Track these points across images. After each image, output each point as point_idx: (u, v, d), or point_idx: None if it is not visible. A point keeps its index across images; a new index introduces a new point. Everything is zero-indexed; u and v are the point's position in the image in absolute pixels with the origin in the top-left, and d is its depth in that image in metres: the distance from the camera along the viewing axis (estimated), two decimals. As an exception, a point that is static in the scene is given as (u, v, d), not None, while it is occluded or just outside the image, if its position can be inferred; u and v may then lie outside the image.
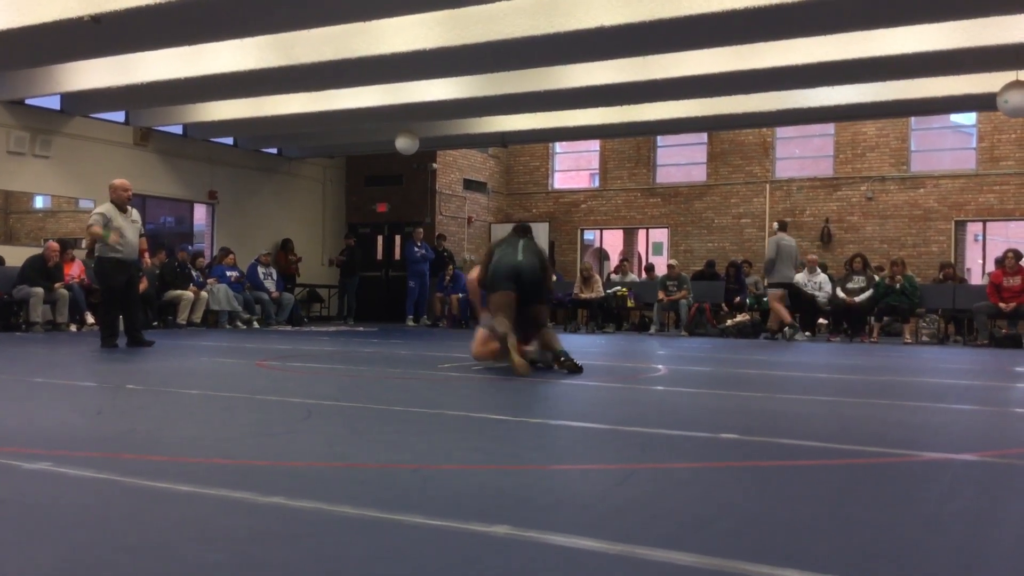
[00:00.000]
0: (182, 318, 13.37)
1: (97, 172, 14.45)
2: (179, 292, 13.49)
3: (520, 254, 7.21)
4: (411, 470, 3.05)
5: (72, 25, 9.29)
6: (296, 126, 15.37)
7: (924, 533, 2.35)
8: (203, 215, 16.92)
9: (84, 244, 8.64)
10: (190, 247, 15.67)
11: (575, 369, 6.73)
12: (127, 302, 9.05)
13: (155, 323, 13.14)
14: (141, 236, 9.10)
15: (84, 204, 14.55)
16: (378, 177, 19.21)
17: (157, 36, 10.30)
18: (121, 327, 9.18)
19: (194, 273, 14.06)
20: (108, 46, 10.77)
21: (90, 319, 12.34)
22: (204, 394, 5.31)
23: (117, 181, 9.09)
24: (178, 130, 15.84)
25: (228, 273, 14.55)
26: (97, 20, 9.03)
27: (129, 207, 8.93)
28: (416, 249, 16.75)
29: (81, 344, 9.83)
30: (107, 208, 8.80)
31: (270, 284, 15.23)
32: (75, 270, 12.60)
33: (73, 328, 12.04)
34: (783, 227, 14.04)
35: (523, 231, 7.71)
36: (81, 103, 13.80)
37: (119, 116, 14.94)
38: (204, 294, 13.76)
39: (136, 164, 15.13)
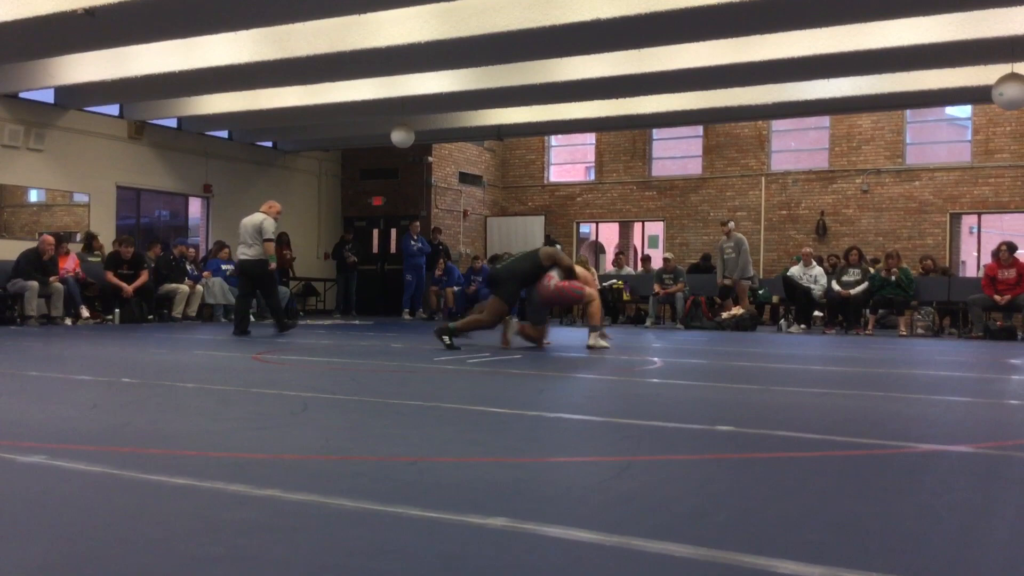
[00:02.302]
0: (177, 312, 13.35)
1: (91, 166, 14.43)
2: (174, 286, 13.46)
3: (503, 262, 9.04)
4: (408, 463, 3.05)
5: (66, 18, 9.25)
6: (291, 119, 15.33)
7: (919, 524, 2.36)
8: (198, 209, 16.89)
9: (259, 253, 10.59)
10: (186, 240, 15.67)
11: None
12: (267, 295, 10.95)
13: (150, 316, 13.12)
14: None
15: (78, 198, 14.52)
16: (373, 170, 19.18)
17: (151, 29, 10.26)
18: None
19: (189, 267, 14.04)
20: (102, 39, 10.73)
21: (85, 313, 12.32)
22: (200, 387, 5.30)
23: (277, 204, 11.02)
24: (172, 123, 15.81)
25: (223, 267, 14.52)
26: (91, 13, 9.00)
27: None
28: (412, 243, 16.75)
29: (76, 338, 9.80)
30: (275, 224, 10.61)
31: (266, 278, 15.19)
32: (70, 264, 12.56)
33: (68, 322, 12.02)
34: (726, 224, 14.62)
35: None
36: (75, 96, 13.76)
37: (113, 109, 14.90)
38: (199, 288, 13.74)
39: (130, 158, 15.11)
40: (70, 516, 2.34)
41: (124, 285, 12.64)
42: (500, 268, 8.94)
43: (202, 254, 15.74)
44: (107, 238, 13.94)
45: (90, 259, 13.23)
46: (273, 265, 10.61)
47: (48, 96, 13.87)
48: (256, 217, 10.60)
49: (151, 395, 4.96)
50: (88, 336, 10.09)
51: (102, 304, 12.93)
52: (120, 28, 10.02)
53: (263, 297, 11.05)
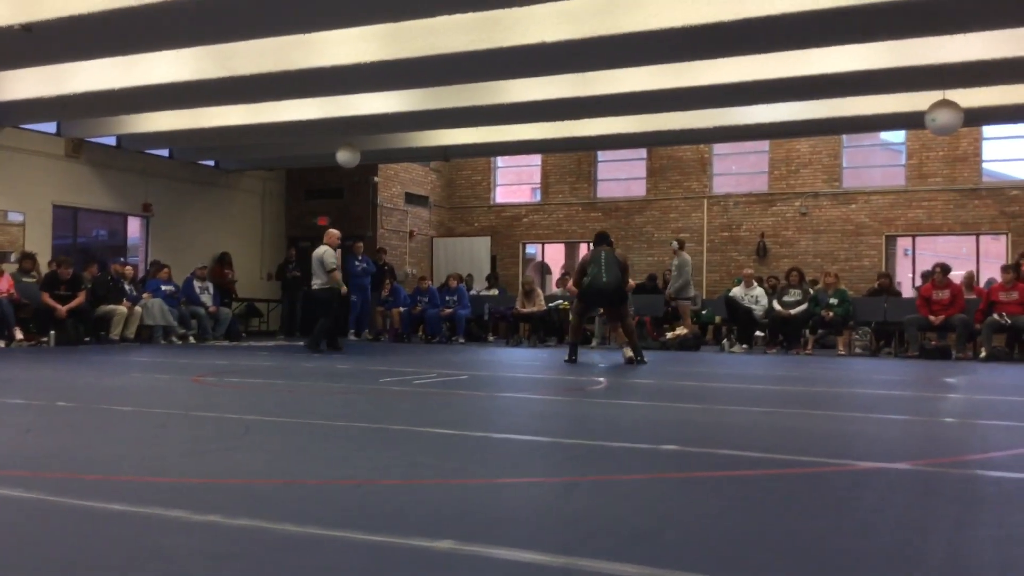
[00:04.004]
0: (115, 333, 13.05)
1: (27, 184, 14.09)
2: (112, 307, 13.17)
3: (604, 274, 9.73)
4: (352, 486, 3.02)
5: (2, 34, 9.04)
6: (234, 138, 15.15)
7: (858, 540, 2.40)
8: (137, 228, 16.58)
9: (325, 282, 11.63)
10: (122, 259, 15.35)
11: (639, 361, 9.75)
12: (337, 318, 12.18)
13: (87, 338, 12.81)
14: None
15: (12, 217, 14.15)
16: (319, 190, 19.04)
17: (90, 46, 10.07)
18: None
19: (127, 287, 13.75)
20: (39, 55, 10.50)
21: (19, 335, 11.98)
22: (137, 411, 5.19)
23: (335, 231, 12.10)
24: (112, 141, 15.51)
25: (163, 287, 14.25)
26: (28, 29, 8.82)
27: None
28: (357, 263, 16.61)
29: (9, 360, 9.52)
30: (334, 254, 11.62)
31: (207, 298, 14.95)
32: (3, 284, 12.21)
33: (1, 344, 11.67)
34: (682, 245, 14.89)
35: (603, 240, 10.14)
36: (11, 113, 13.42)
37: (50, 127, 14.58)
38: (138, 309, 13.45)
39: (68, 176, 14.79)
40: (1, 543, 2.26)
41: (58, 306, 12.32)
42: (605, 284, 9.79)
43: (141, 274, 15.43)
44: (43, 258, 13.58)
45: (24, 280, 12.87)
46: (344, 290, 11.83)
47: (-18, 113, 13.52)
48: (319, 249, 11.65)
49: (87, 419, 4.84)
50: (22, 359, 9.82)
51: (37, 326, 12.58)
52: (58, 44, 9.82)
53: (319, 316, 11.86)
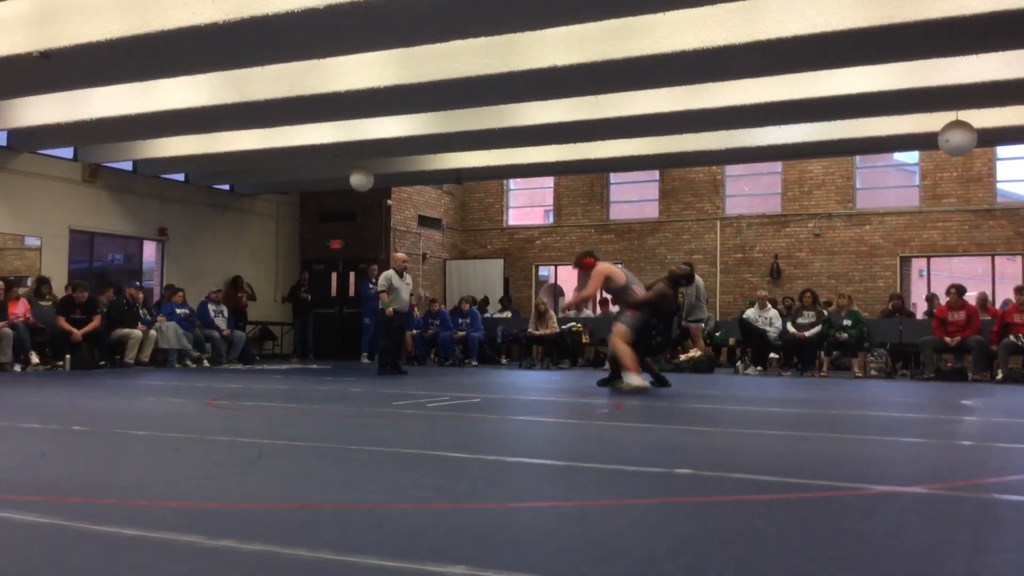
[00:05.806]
0: (130, 357, 13.11)
1: (44, 209, 14.22)
2: (127, 330, 13.24)
3: (674, 331, 9.64)
4: (366, 510, 3.02)
5: (20, 60, 9.16)
6: (249, 162, 15.26)
7: (874, 565, 2.38)
8: (152, 252, 16.69)
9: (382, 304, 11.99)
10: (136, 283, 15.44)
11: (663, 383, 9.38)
12: (399, 340, 12.41)
13: (102, 362, 12.88)
14: (411, 294, 12.75)
15: (29, 241, 14.28)
16: (332, 213, 19.15)
17: (107, 72, 10.19)
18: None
19: (142, 311, 13.82)
20: (57, 82, 10.63)
21: (35, 359, 12.05)
22: (152, 435, 5.20)
23: (398, 254, 12.79)
24: (128, 166, 15.66)
25: (178, 311, 14.32)
26: (46, 56, 8.93)
27: (405, 272, 12.14)
28: (371, 286, 16.66)
29: (25, 384, 9.58)
30: (390, 275, 11.88)
31: (221, 322, 15.01)
32: (20, 309, 12.30)
33: (17, 368, 11.74)
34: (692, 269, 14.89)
35: (691, 280, 9.97)
36: (28, 139, 13.59)
37: (67, 152, 14.74)
38: (153, 332, 13.52)
39: (84, 201, 14.93)
40: (15, 569, 2.27)
41: (73, 330, 12.40)
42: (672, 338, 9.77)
43: (156, 298, 15.51)
44: (59, 282, 13.69)
45: (41, 303, 12.97)
46: (389, 311, 11.72)
47: (0, 139, 13.69)
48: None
49: (102, 443, 4.86)
50: (37, 383, 9.87)
51: (52, 350, 12.66)
52: (75, 71, 9.94)
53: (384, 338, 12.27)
